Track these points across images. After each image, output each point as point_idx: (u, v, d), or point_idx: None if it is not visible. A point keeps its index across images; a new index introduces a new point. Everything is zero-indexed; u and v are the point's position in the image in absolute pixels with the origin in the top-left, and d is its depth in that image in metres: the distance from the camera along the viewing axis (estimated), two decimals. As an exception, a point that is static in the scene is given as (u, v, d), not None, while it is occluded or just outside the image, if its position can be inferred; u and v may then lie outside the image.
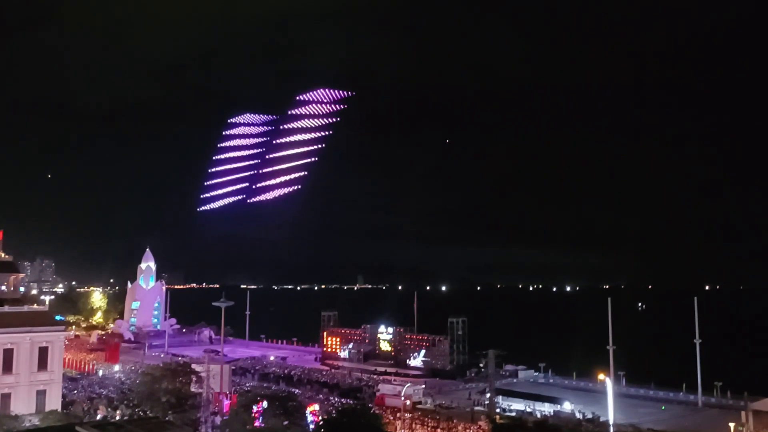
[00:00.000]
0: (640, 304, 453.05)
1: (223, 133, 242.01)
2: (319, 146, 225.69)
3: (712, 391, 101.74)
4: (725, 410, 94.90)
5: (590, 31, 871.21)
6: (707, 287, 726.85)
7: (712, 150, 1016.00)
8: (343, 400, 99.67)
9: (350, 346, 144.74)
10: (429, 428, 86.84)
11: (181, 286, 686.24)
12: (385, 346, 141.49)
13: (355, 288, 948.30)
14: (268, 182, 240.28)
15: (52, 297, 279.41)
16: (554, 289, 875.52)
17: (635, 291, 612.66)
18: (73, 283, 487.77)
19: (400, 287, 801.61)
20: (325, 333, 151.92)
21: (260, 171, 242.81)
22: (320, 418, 77.70)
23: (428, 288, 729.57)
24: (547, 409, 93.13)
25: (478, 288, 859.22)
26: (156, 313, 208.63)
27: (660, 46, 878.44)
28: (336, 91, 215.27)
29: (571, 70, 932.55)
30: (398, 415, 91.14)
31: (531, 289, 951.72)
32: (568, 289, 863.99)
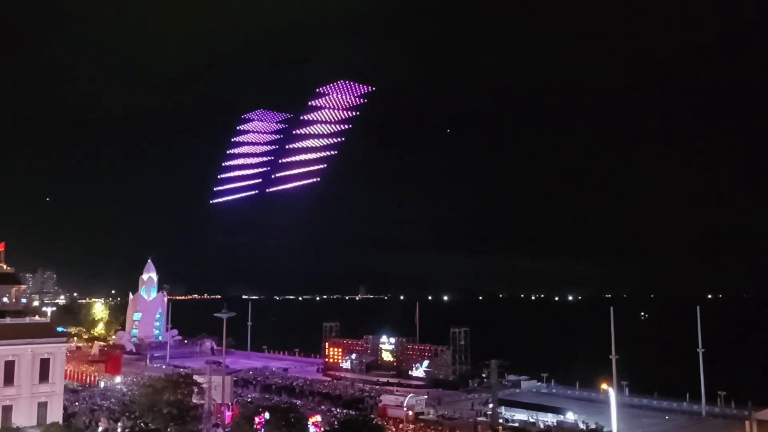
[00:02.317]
0: (642, 313, 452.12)
1: (228, 141, 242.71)
2: (323, 157, 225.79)
3: (716, 400, 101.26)
4: (729, 420, 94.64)
5: (593, 36, 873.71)
6: (710, 296, 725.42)
7: (714, 157, 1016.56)
8: (345, 411, 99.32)
9: (352, 356, 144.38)
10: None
11: (183, 297, 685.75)
12: (387, 357, 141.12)
13: (357, 298, 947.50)
14: (271, 191, 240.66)
15: (54, 308, 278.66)
16: (556, 299, 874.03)
17: (637, 300, 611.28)
18: (75, 294, 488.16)
19: (402, 297, 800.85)
20: (327, 344, 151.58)
21: (264, 181, 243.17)
22: (322, 429, 77.43)
23: (430, 298, 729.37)
24: (550, 419, 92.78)
25: (480, 298, 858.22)
26: (158, 324, 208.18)
27: (662, 51, 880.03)
28: (341, 102, 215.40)
29: (572, 80, 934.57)
30: (401, 426, 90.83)
31: (533, 298, 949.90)
32: (570, 298, 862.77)
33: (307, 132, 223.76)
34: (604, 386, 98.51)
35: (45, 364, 79.09)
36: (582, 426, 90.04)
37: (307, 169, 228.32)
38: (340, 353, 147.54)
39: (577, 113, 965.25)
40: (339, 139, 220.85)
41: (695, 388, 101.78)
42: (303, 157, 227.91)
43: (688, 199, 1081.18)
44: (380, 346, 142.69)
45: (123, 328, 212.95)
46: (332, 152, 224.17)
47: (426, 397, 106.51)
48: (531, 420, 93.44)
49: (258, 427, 75.11)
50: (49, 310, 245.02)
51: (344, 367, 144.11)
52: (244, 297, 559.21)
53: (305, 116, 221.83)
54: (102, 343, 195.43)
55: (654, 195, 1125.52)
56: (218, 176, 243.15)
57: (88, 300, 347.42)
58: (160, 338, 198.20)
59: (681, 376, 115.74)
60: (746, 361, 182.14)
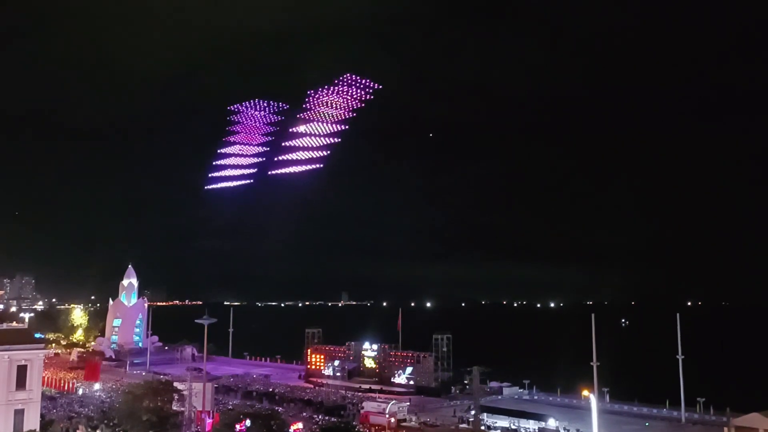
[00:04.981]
0: (623, 320, 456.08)
1: (212, 146, 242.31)
2: (308, 164, 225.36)
3: (696, 407, 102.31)
4: (708, 426, 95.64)
5: (579, 43, 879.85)
6: (689, 303, 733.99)
7: (696, 167, 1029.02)
8: (327, 418, 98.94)
9: (334, 363, 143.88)
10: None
11: (164, 303, 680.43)
12: (369, 363, 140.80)
13: (340, 305, 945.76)
14: (255, 197, 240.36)
15: (32, 314, 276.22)
16: (538, 306, 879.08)
17: (618, 307, 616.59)
18: (54, 300, 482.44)
19: (384, 304, 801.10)
20: (309, 350, 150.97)
21: (248, 187, 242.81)
22: (304, 436, 77.10)
23: (413, 304, 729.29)
24: (531, 425, 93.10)
25: (463, 304, 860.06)
26: (138, 330, 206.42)
27: (643, 55, 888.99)
28: (327, 111, 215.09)
29: (559, 87, 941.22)
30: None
31: (515, 305, 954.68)
32: (552, 305, 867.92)
33: (293, 139, 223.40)
34: (585, 393, 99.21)
35: (22, 371, 77.86)
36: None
37: (293, 169, 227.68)
38: (322, 360, 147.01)
39: (562, 121, 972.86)
40: (325, 148, 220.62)
41: (675, 394, 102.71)
42: (288, 165, 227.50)
43: (669, 207, 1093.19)
44: (363, 352, 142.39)
45: (102, 335, 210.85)
46: (317, 160, 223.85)
47: (408, 403, 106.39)
48: (513, 427, 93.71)
49: (239, 434, 74.62)
50: (27, 315, 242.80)
51: (326, 373, 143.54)
52: (225, 303, 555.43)
53: (293, 123, 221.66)
54: (81, 350, 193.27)
55: (635, 203, 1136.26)
56: (202, 180, 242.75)
57: (67, 306, 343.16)
58: (140, 344, 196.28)
59: (661, 383, 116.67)
60: (725, 368, 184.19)
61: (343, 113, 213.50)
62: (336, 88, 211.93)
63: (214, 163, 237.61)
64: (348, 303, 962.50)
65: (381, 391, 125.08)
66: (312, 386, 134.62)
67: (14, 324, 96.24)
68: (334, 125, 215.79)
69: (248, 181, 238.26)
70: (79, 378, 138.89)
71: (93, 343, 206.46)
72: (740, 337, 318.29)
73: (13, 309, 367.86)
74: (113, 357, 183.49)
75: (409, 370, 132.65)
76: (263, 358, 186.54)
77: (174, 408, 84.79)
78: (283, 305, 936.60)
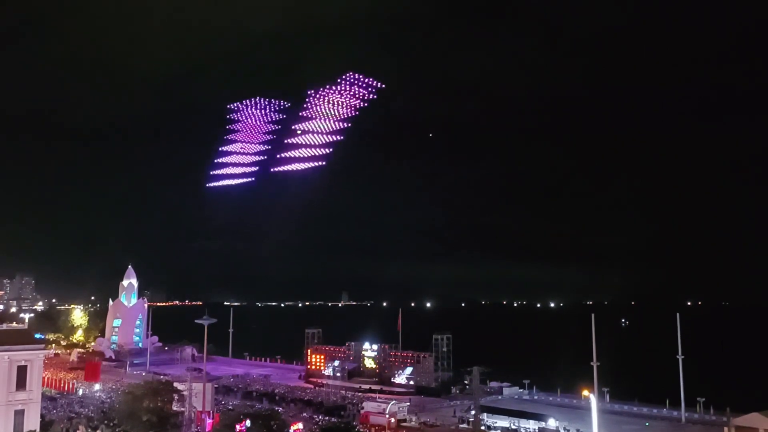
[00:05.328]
0: (623, 320, 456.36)
1: (213, 147, 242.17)
2: (307, 165, 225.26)
3: (696, 407, 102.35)
4: (708, 426, 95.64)
5: (581, 42, 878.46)
6: (689, 303, 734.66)
7: (694, 167, 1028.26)
8: (327, 418, 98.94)
9: (334, 363, 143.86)
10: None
11: (164, 304, 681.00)
12: (369, 364, 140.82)
13: (340, 305, 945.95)
14: (255, 197, 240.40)
15: (32, 315, 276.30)
16: (538, 306, 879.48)
17: (618, 307, 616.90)
18: (54, 300, 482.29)
19: (384, 304, 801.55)
20: (309, 350, 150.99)
21: (248, 188, 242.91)
22: (304, 436, 77.04)
23: (413, 304, 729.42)
24: (531, 425, 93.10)
25: (463, 304, 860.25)
26: (138, 330, 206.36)
27: (640, 55, 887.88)
28: (328, 111, 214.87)
29: (556, 87, 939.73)
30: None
31: (515, 305, 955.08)
32: (552, 305, 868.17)
33: (294, 137, 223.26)
34: (585, 393, 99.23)
35: (22, 371, 77.83)
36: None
37: (293, 166, 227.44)
38: (322, 360, 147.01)
39: (562, 121, 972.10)
40: (325, 146, 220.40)
41: (675, 394, 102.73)
42: (289, 162, 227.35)
43: (669, 207, 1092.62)
44: (363, 352, 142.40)
45: (102, 335, 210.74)
46: (318, 159, 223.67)
47: (408, 404, 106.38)
48: (513, 427, 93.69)
49: (239, 434, 74.57)
50: (27, 316, 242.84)
51: (326, 373, 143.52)
52: (225, 303, 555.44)
53: (293, 121, 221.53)
54: (81, 350, 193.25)
55: (635, 203, 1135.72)
56: (203, 180, 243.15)
57: (67, 306, 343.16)
58: (140, 345, 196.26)
59: (661, 383, 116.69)
60: (725, 368, 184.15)
61: (344, 112, 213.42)
62: (336, 87, 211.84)
63: (215, 161, 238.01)
64: (348, 303, 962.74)
65: (381, 392, 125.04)
66: (312, 386, 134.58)
67: (14, 324, 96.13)
68: (334, 123, 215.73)
69: (249, 180, 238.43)
70: (79, 378, 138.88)
71: (93, 344, 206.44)
72: (740, 337, 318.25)
73: (13, 309, 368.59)
74: (113, 357, 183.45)
75: (409, 370, 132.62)
76: (263, 358, 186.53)
77: (174, 408, 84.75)
78: (283, 305, 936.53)
